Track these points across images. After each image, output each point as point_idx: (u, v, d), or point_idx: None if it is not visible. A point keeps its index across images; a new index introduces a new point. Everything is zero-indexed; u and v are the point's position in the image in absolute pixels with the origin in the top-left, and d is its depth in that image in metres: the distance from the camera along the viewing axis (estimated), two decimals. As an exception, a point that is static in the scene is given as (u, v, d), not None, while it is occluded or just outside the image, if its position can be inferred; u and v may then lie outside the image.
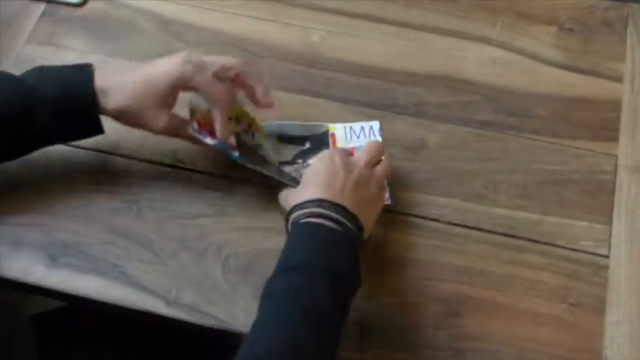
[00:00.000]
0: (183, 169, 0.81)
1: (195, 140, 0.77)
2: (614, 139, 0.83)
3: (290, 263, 0.66)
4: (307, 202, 0.69)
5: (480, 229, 0.78)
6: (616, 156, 0.82)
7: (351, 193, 0.70)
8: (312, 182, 0.71)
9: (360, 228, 0.68)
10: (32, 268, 0.75)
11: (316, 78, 0.88)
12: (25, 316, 0.67)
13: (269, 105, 0.78)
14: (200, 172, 0.81)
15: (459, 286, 0.74)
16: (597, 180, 0.80)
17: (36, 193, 0.79)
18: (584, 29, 0.91)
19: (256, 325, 0.63)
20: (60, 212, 0.78)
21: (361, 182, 0.71)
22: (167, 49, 0.90)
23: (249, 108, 0.79)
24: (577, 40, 0.90)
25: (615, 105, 0.85)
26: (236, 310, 0.73)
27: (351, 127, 0.82)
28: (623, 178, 0.80)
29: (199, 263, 0.76)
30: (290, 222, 0.70)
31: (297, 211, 0.69)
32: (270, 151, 0.81)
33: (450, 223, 0.78)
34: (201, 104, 0.77)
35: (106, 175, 0.78)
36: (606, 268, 0.75)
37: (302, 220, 0.68)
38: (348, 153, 0.75)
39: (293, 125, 0.83)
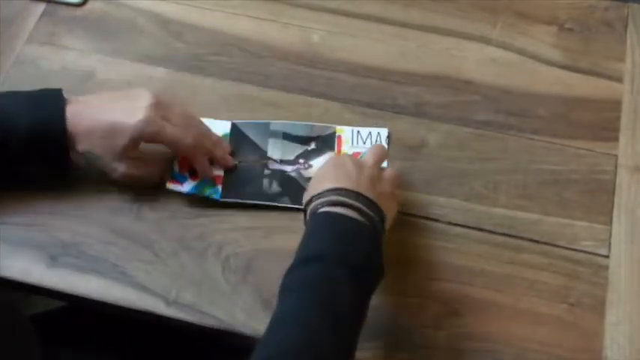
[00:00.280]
0: (184, 169, 0.81)
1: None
2: (614, 139, 0.83)
3: (308, 254, 0.65)
4: (326, 191, 0.67)
5: (480, 229, 0.78)
6: (616, 156, 0.82)
7: (369, 185, 0.69)
8: (327, 177, 0.70)
9: (382, 217, 0.67)
10: (32, 268, 0.75)
11: (316, 78, 0.88)
12: (25, 316, 0.67)
13: (230, 165, 0.80)
14: (200, 172, 0.81)
15: (459, 286, 0.74)
16: (597, 180, 0.80)
17: (36, 193, 0.79)
18: (584, 29, 0.91)
19: (273, 321, 0.62)
20: (60, 212, 0.78)
21: (374, 179, 0.70)
22: (167, 49, 0.90)
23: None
24: (577, 40, 0.90)
25: (615, 105, 0.85)
26: (236, 310, 0.73)
27: (358, 132, 0.82)
28: (623, 178, 0.80)
29: (199, 263, 0.76)
30: (308, 212, 0.69)
31: (315, 200, 0.68)
32: (275, 149, 0.81)
33: (450, 223, 0.78)
34: None
35: (106, 175, 0.78)
36: (606, 268, 0.75)
37: (321, 210, 0.67)
38: (354, 158, 0.74)
39: (300, 125, 0.83)
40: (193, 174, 0.79)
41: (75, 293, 0.74)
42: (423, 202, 0.79)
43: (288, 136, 0.82)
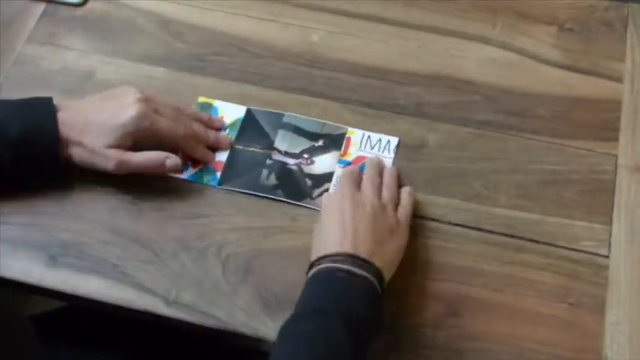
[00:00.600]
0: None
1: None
2: (614, 139, 0.83)
3: (305, 309, 0.66)
4: (325, 257, 0.68)
5: (480, 229, 0.78)
6: (616, 156, 0.82)
7: (366, 236, 0.69)
8: (327, 233, 0.71)
9: (378, 275, 0.68)
10: (32, 268, 0.75)
11: (316, 78, 0.88)
12: (24, 317, 0.67)
13: (226, 146, 0.82)
14: (200, 172, 0.81)
15: (459, 286, 0.74)
16: (597, 180, 0.80)
17: (36, 193, 0.79)
18: (584, 29, 0.91)
19: None
20: (60, 212, 0.78)
21: (376, 217, 0.71)
22: (167, 49, 0.90)
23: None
24: (577, 40, 0.90)
25: (615, 105, 0.85)
26: (236, 310, 0.73)
27: (369, 136, 0.83)
28: (623, 178, 0.80)
29: (199, 263, 0.76)
30: (310, 274, 0.70)
31: (315, 267, 0.69)
32: (282, 140, 0.82)
33: (450, 223, 0.78)
34: None
35: (106, 175, 0.78)
36: (606, 268, 0.75)
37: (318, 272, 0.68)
38: (355, 189, 0.74)
39: (313, 121, 0.84)
40: (195, 162, 0.81)
41: (75, 293, 0.74)
42: (422, 202, 0.79)
43: (298, 130, 0.83)
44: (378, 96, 0.86)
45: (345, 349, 0.62)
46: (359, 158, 0.81)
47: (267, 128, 0.83)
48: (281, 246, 0.77)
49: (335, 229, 0.70)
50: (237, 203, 0.79)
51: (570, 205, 0.79)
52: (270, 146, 0.82)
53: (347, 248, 0.68)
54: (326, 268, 0.67)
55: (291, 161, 0.81)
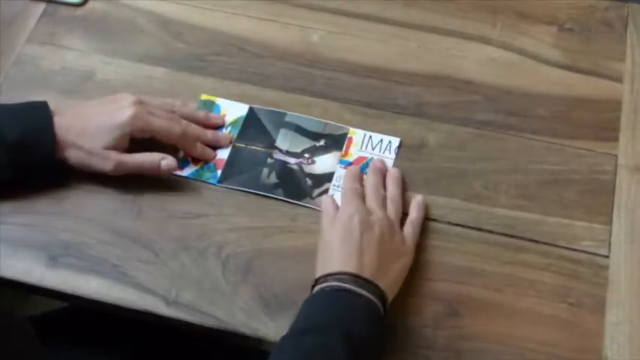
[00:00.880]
0: (184, 169, 0.81)
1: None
2: (614, 139, 0.83)
3: (306, 325, 0.66)
4: (329, 275, 0.68)
5: (480, 229, 0.78)
6: (616, 156, 0.82)
7: (372, 258, 0.69)
8: (334, 254, 0.70)
9: (382, 296, 0.68)
10: (32, 268, 0.75)
11: (316, 78, 0.88)
12: (23, 318, 0.67)
13: (226, 144, 0.83)
14: (200, 172, 0.81)
15: (459, 286, 0.74)
16: (597, 180, 0.80)
17: (36, 193, 0.79)
18: (584, 29, 0.91)
19: None
20: (60, 212, 0.78)
21: (384, 240, 0.71)
22: (167, 49, 0.90)
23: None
24: (577, 40, 0.90)
25: (615, 105, 0.85)
26: (236, 310, 0.73)
27: (370, 137, 0.83)
28: (623, 178, 0.80)
29: (199, 263, 0.76)
30: (313, 291, 0.69)
31: (320, 284, 0.69)
32: (284, 140, 0.82)
33: (450, 223, 0.78)
34: None
35: (106, 175, 0.78)
36: (606, 268, 0.75)
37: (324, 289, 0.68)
38: (363, 202, 0.74)
39: (315, 121, 0.84)
40: (195, 159, 0.82)
41: (75, 293, 0.74)
42: (423, 202, 0.79)
43: (300, 129, 0.83)
44: (378, 96, 0.86)
45: None
46: (360, 159, 0.81)
47: (269, 127, 0.84)
48: (281, 246, 0.77)
49: (342, 247, 0.70)
50: (237, 203, 0.79)
51: (570, 205, 0.79)
52: (272, 145, 0.82)
53: (352, 268, 0.68)
54: (329, 286, 0.67)
55: (292, 160, 0.81)
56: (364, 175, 0.79)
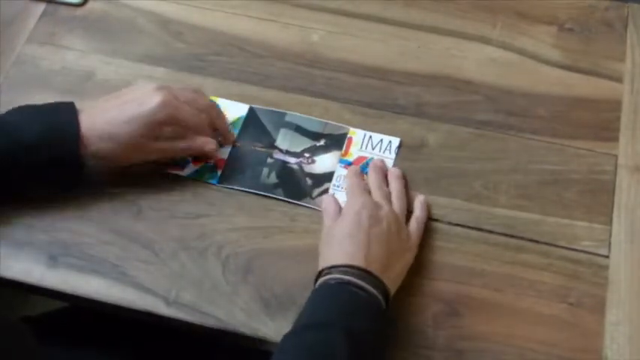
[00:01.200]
0: (184, 169, 0.81)
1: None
2: (614, 139, 0.83)
3: (309, 321, 0.66)
4: (334, 267, 0.68)
5: (480, 229, 0.78)
6: (616, 156, 0.82)
7: (380, 253, 0.69)
8: (340, 244, 0.70)
9: (385, 292, 0.68)
10: (32, 268, 0.75)
11: (316, 78, 0.88)
12: (18, 320, 0.67)
13: (230, 142, 0.82)
14: (200, 172, 0.81)
15: (459, 286, 0.74)
16: (597, 180, 0.80)
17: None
18: (584, 29, 0.91)
19: None
20: (60, 212, 0.78)
21: (391, 236, 0.71)
22: (167, 49, 0.90)
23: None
24: (577, 40, 0.90)
25: (615, 105, 0.85)
26: (236, 310, 0.73)
27: (370, 137, 0.83)
28: (623, 178, 0.80)
29: (199, 263, 0.76)
30: (317, 283, 0.69)
31: (324, 276, 0.68)
32: (284, 140, 0.82)
33: (450, 223, 0.78)
34: None
35: (107, 175, 0.78)
36: (606, 268, 0.75)
37: (328, 282, 0.68)
38: (370, 197, 0.74)
39: (315, 121, 0.84)
40: (196, 159, 0.81)
41: (75, 293, 0.74)
42: (423, 202, 0.79)
43: (300, 129, 0.83)
44: (378, 96, 0.86)
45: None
46: (360, 158, 0.81)
47: (269, 127, 0.84)
48: (281, 246, 0.77)
49: (349, 240, 0.70)
50: (237, 203, 0.79)
51: (570, 205, 0.79)
52: (272, 145, 0.82)
53: (359, 262, 0.68)
54: (334, 279, 0.67)
55: (292, 160, 0.81)
56: (365, 175, 0.79)
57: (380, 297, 0.67)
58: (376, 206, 0.73)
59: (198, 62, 0.89)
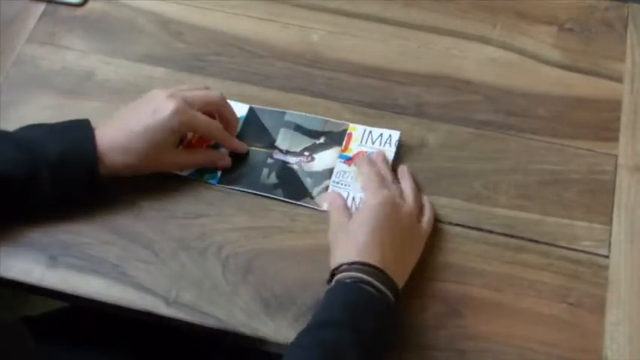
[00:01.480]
0: (184, 169, 0.81)
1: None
2: (614, 139, 0.83)
3: (322, 319, 0.67)
4: (352, 264, 0.68)
5: (480, 229, 0.78)
6: (616, 156, 0.82)
7: (396, 254, 0.70)
8: (357, 240, 0.70)
9: (396, 291, 0.68)
10: (32, 268, 0.75)
11: (316, 78, 0.88)
12: (17, 319, 0.67)
13: (242, 150, 0.82)
14: (200, 172, 0.81)
15: (459, 286, 0.74)
16: (597, 180, 0.80)
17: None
18: (584, 29, 0.91)
19: None
20: (60, 212, 0.78)
21: (408, 236, 0.72)
22: (167, 49, 0.90)
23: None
24: (577, 40, 0.90)
25: (615, 105, 0.85)
26: (236, 310, 0.73)
27: (370, 132, 0.83)
28: (623, 178, 0.80)
29: (199, 263, 0.76)
30: (334, 280, 0.69)
31: (339, 273, 0.69)
32: (284, 139, 0.82)
33: (450, 223, 0.78)
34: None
35: (106, 175, 0.78)
36: (606, 268, 0.75)
37: (344, 280, 0.68)
38: (395, 202, 0.73)
39: (314, 119, 0.84)
40: None
41: (75, 293, 0.74)
42: (423, 202, 0.79)
43: (299, 128, 0.83)
44: (378, 96, 0.86)
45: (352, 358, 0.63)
46: (360, 153, 0.81)
47: (269, 127, 0.84)
48: (281, 246, 0.77)
49: (368, 237, 0.70)
50: (237, 203, 0.79)
51: (570, 205, 0.79)
52: (272, 145, 0.82)
53: (376, 261, 0.68)
54: (350, 277, 0.68)
55: (292, 160, 0.81)
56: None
57: (391, 296, 0.68)
58: (396, 203, 0.73)
59: (198, 62, 0.89)
